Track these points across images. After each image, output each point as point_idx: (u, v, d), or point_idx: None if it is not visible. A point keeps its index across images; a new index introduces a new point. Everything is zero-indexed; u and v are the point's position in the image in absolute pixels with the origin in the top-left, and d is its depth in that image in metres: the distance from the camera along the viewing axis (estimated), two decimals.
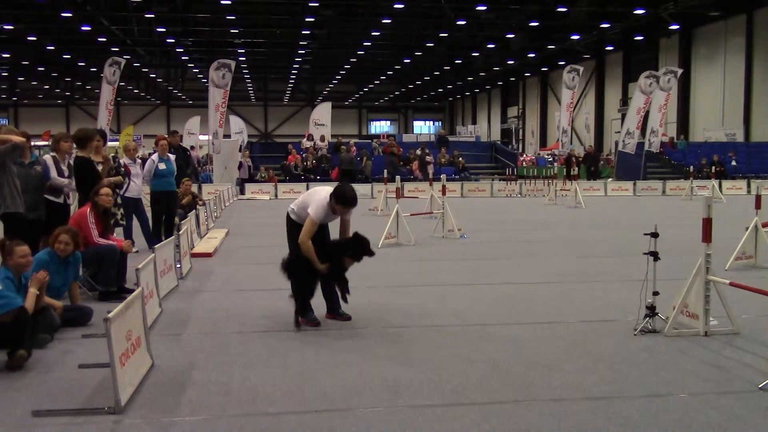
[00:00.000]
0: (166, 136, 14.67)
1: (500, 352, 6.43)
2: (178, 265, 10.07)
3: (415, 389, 5.43)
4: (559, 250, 13.16)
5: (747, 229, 10.86)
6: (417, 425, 4.75)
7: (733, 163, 33.80)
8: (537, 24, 41.51)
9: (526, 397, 5.28)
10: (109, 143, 29.76)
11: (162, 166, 13.22)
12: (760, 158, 34.91)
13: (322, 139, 36.76)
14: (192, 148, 28.61)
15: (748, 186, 29.56)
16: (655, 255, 7.04)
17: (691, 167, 29.49)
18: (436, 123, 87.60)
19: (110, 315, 4.91)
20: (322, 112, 40.70)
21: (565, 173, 29.58)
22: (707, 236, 6.76)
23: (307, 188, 28.79)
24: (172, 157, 13.87)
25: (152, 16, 39.03)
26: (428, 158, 34.40)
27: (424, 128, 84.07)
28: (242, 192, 28.97)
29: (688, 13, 39.73)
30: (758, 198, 10.71)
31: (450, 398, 5.26)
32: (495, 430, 4.66)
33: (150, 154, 16.79)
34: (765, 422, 4.78)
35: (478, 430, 4.65)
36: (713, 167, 30.23)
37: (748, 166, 33.89)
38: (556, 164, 36.18)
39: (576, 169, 27.45)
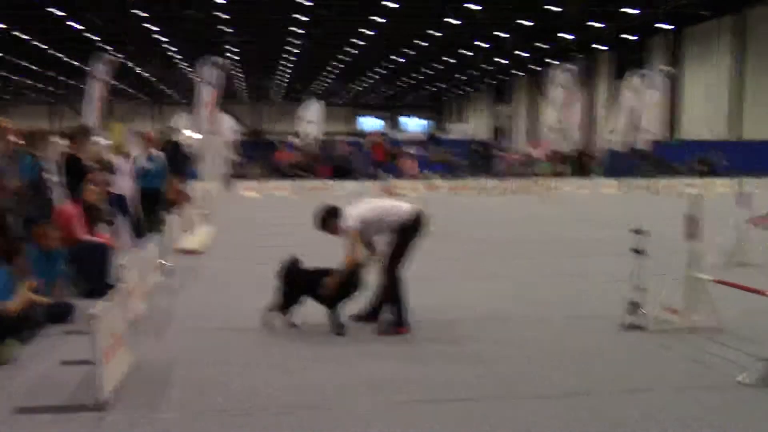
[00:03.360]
0: (153, 133, 14.62)
1: (486, 348, 6.45)
2: (164, 262, 10.04)
3: (399, 385, 5.45)
4: (546, 247, 13.18)
5: (733, 226, 10.91)
6: (403, 421, 4.77)
7: (723, 162, 33.90)
8: (528, 23, 41.58)
9: (511, 394, 5.30)
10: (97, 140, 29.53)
11: (148, 164, 13.17)
12: (749, 157, 35.03)
13: (313, 137, 36.70)
14: (186, 145, 28.35)
15: (737, 185, 29.63)
16: (641, 252, 7.06)
17: (680, 165, 29.54)
18: (427, 121, 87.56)
19: (94, 312, 4.90)
20: (313, 109, 40.62)
21: (554, 171, 29.65)
22: (693, 234, 6.80)
23: (297, 186, 29.04)
24: (160, 155, 13.82)
25: (142, 13, 38.88)
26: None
27: (414, 126, 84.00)
28: (231, 189, 28.89)
29: (680, 13, 39.87)
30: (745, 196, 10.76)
31: (436, 394, 5.27)
32: (481, 426, 4.68)
33: (137, 152, 16.71)
34: (744, 416, 4.82)
35: (465, 427, 4.67)
36: (702, 165, 30.31)
37: (738, 165, 33.98)
38: (544, 162, 36.17)
39: (565, 166, 27.52)
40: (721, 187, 29.24)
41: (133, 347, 5.95)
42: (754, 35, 38.06)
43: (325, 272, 6.97)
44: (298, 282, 7.04)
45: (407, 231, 6.94)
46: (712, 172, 31.01)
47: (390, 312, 7.00)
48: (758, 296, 5.99)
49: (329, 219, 7.00)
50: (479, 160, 36.29)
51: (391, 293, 6.97)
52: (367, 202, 7.24)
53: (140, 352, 6.05)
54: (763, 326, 6.35)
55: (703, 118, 41.71)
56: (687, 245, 6.85)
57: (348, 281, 6.87)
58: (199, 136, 28.67)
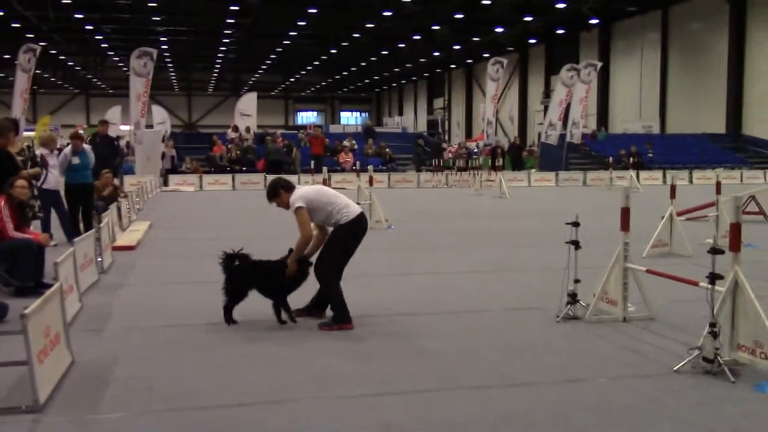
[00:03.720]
0: (80, 130, 14.27)
1: (426, 341, 6.51)
2: (99, 259, 9.82)
3: (343, 380, 5.46)
4: (484, 240, 13.37)
5: (663, 217, 11.26)
6: (345, 416, 4.77)
7: (650, 154, 34.89)
8: (462, 16, 41.94)
9: (452, 386, 5.36)
10: (25, 133, 28.62)
11: (75, 160, 12.82)
12: (675, 149, 36.15)
13: (248, 130, 36.30)
14: (118, 138, 27.68)
15: (664, 176, 30.55)
16: (576, 244, 7.22)
17: (611, 158, 30.29)
18: (363, 114, 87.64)
19: (27, 311, 4.77)
20: (248, 102, 40.16)
21: (490, 164, 30.03)
22: (625, 225, 6.99)
23: (233, 180, 28.70)
24: (87, 148, 13.47)
25: (69, 1, 37.70)
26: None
27: (351, 119, 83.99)
28: (166, 183, 28.38)
29: (607, 8, 40.86)
30: (673, 188, 11.11)
31: (378, 388, 5.29)
32: (422, 419, 4.71)
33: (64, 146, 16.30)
34: (677, 403, 4.98)
35: (406, 419, 4.70)
36: (631, 158, 31.15)
37: (664, 157, 35.05)
38: (482, 156, 36.62)
39: (501, 160, 27.88)
40: (650, 179, 30.17)
41: (70, 347, 5.81)
42: (677, 31, 39.35)
43: (272, 264, 6.93)
44: (245, 275, 6.98)
45: (348, 230, 6.97)
46: (640, 164, 31.85)
47: (332, 308, 7.01)
48: (688, 286, 6.19)
49: (281, 190, 6.98)
50: (424, 154, 36.43)
51: (329, 291, 6.99)
52: (316, 187, 7.32)
53: (78, 352, 5.91)
54: (693, 315, 6.56)
55: (631, 111, 42.88)
56: (620, 236, 7.03)
57: (299, 270, 6.88)
58: (132, 128, 28.07)
